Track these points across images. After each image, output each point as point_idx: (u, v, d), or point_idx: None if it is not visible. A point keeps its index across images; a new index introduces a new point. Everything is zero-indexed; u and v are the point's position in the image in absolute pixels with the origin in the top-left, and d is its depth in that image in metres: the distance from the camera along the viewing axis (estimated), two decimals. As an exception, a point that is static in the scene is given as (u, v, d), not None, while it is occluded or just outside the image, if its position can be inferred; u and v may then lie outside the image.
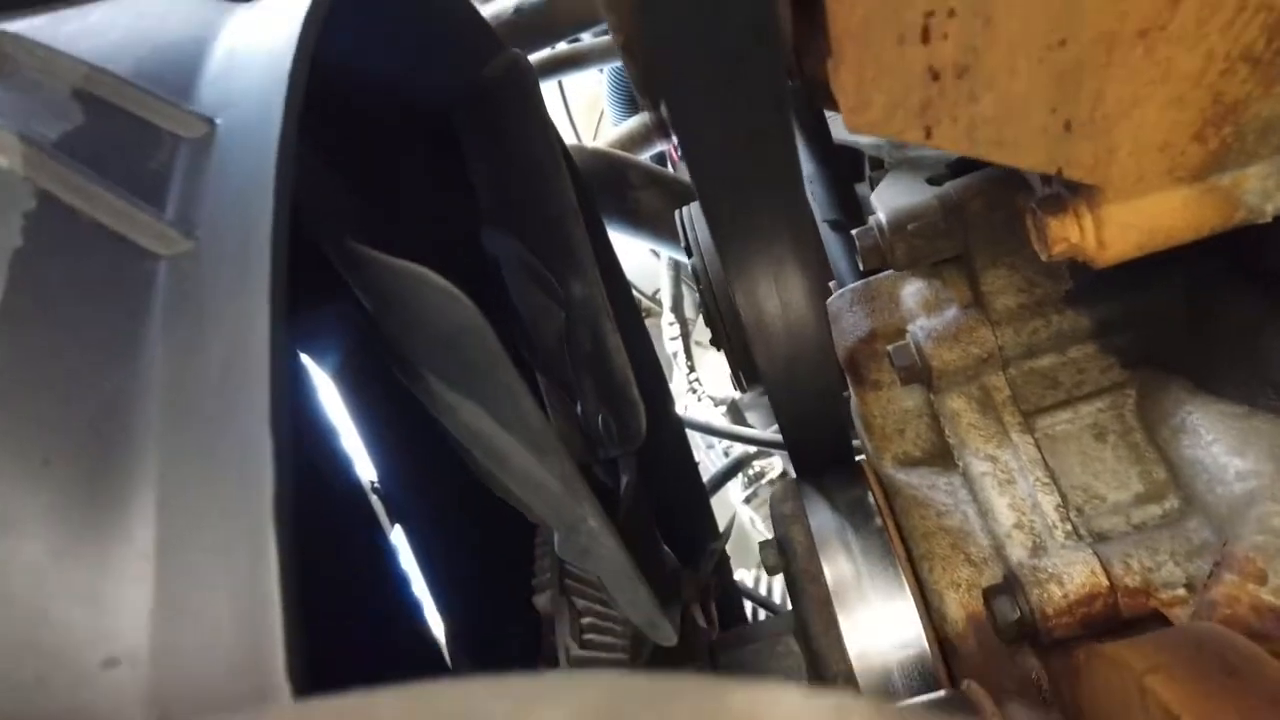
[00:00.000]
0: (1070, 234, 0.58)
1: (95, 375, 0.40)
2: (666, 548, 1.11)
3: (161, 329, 0.42)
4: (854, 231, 0.84)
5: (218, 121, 0.49)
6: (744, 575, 2.04)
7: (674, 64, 0.48)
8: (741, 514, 2.10)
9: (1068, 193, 0.58)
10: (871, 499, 0.90)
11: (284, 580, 0.36)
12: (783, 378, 0.83)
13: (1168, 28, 0.45)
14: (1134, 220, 0.56)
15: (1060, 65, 0.46)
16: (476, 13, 0.99)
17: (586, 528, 0.65)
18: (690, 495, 1.65)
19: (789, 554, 0.89)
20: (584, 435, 1.01)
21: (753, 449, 1.84)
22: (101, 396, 0.40)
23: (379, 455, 1.36)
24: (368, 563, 1.34)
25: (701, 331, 2.26)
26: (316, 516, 1.22)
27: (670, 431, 1.60)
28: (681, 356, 2.11)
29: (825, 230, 1.00)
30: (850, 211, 1.09)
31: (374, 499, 1.42)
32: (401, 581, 1.37)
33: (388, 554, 1.38)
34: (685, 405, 2.09)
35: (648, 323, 2.35)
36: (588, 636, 0.86)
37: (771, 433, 1.78)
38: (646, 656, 0.86)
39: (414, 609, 1.39)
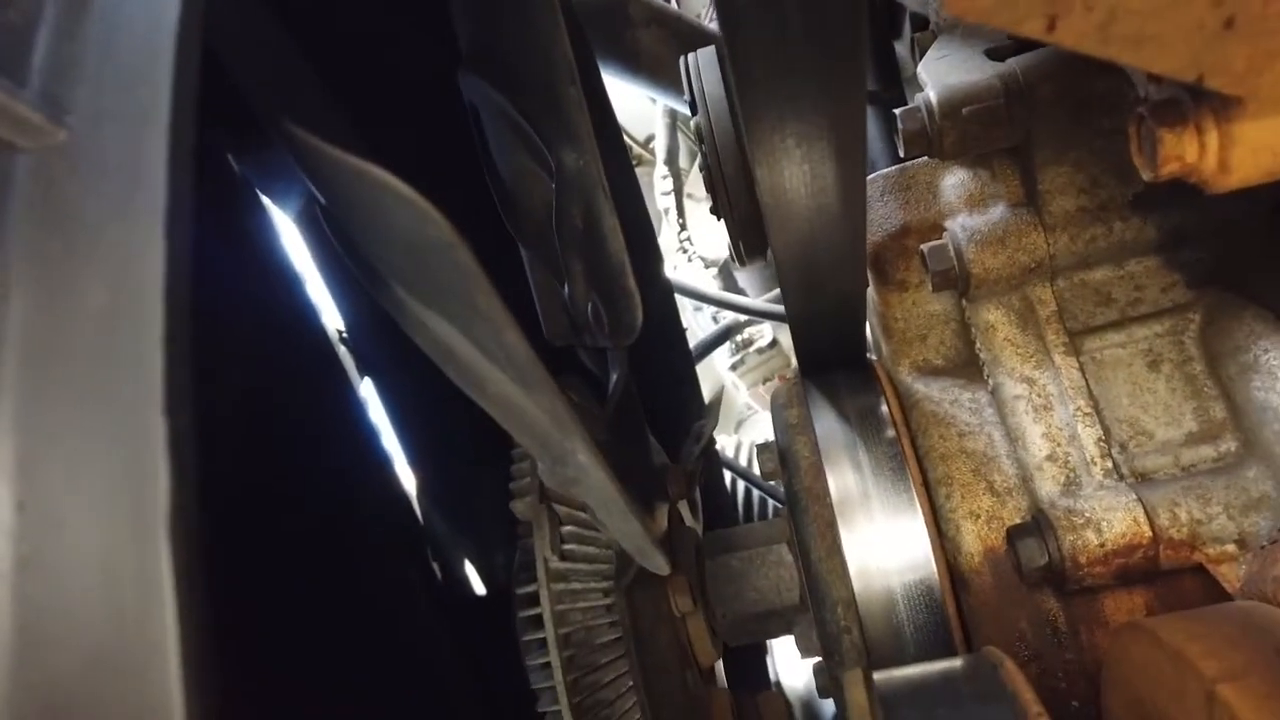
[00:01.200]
0: (1187, 151, 0.47)
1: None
2: (653, 440, 1.03)
3: (17, 259, 0.31)
4: (897, 112, 0.72)
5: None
6: (725, 441, 2.00)
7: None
8: (726, 379, 2.03)
9: (1190, 101, 0.46)
10: (884, 409, 0.82)
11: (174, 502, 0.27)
12: (799, 266, 0.73)
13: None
14: (1269, 141, 0.45)
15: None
16: None
17: (575, 461, 0.56)
18: (677, 363, 1.58)
19: (791, 468, 0.82)
20: (570, 318, 0.91)
21: (743, 316, 1.75)
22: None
23: (346, 303, 1.27)
24: (336, 415, 1.27)
25: (695, 184, 2.12)
26: (281, 367, 1.14)
27: (658, 294, 1.50)
28: (673, 213, 1.98)
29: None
30: (887, 78, 0.96)
31: (342, 350, 1.34)
32: (371, 434, 1.31)
33: (356, 406, 1.31)
34: (675, 265, 1.98)
35: (638, 171, 2.20)
36: (568, 547, 0.80)
37: (764, 301, 1.68)
38: (631, 573, 0.80)
39: (384, 462, 1.33)
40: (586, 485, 0.60)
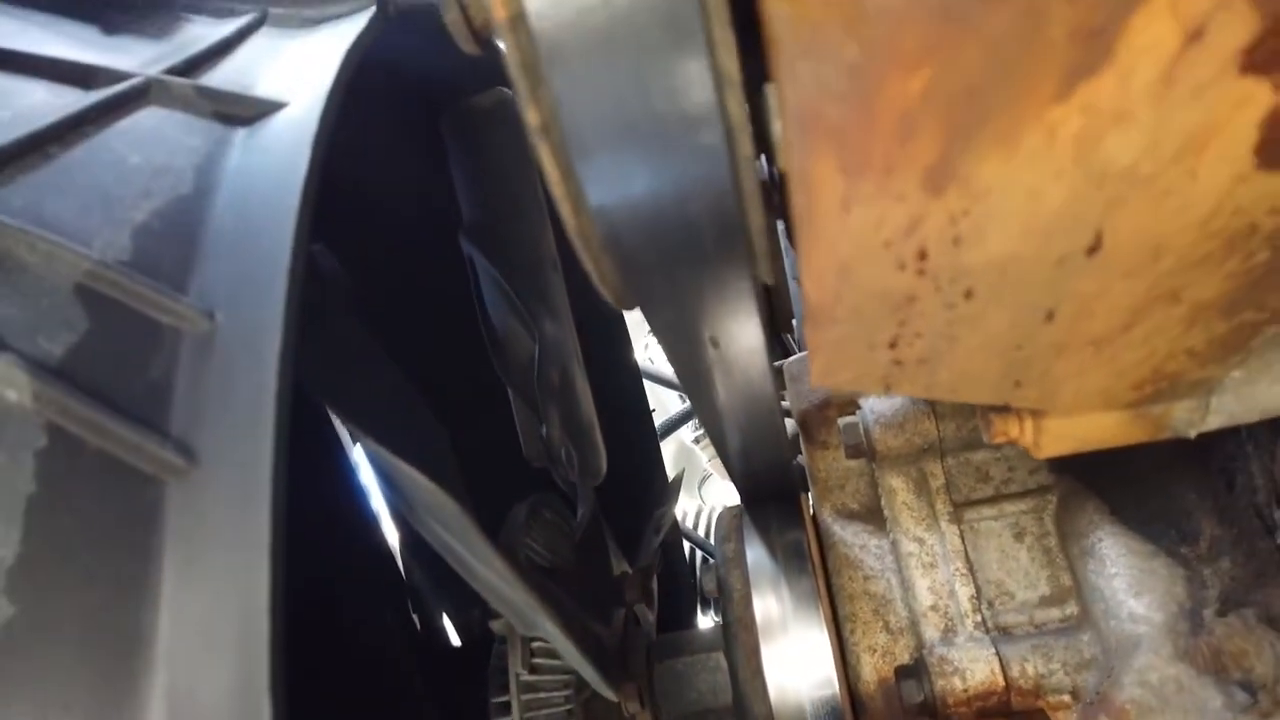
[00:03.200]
0: (1011, 431, 0.63)
1: (107, 619, 0.44)
2: (614, 547, 1.18)
3: (167, 563, 0.46)
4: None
5: (218, 318, 0.51)
6: (687, 503, 2.15)
7: (651, 305, 0.51)
8: (691, 448, 2.19)
9: (1013, 396, 0.62)
10: (806, 545, 0.98)
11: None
12: (732, 433, 0.88)
13: (1116, 341, 0.49)
14: (1069, 431, 0.61)
15: (1014, 358, 0.50)
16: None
17: (543, 627, 0.71)
18: (644, 444, 1.72)
19: (726, 597, 0.97)
20: (546, 449, 1.06)
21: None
22: (114, 638, 0.44)
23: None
24: (328, 476, 1.41)
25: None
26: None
27: (628, 379, 1.65)
28: (645, 295, 2.13)
29: (795, 288, 1.03)
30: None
31: (335, 418, 1.47)
32: (360, 494, 1.45)
33: (348, 469, 1.44)
34: (646, 345, 2.14)
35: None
36: (536, 661, 0.94)
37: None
38: (590, 688, 0.95)
39: (371, 520, 1.47)
40: (550, 640, 0.75)
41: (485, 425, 1.16)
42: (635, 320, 2.26)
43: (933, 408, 0.89)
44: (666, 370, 1.77)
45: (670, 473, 1.69)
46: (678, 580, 1.76)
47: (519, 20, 0.36)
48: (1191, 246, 0.40)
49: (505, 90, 0.93)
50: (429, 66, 0.99)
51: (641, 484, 1.66)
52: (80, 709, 0.43)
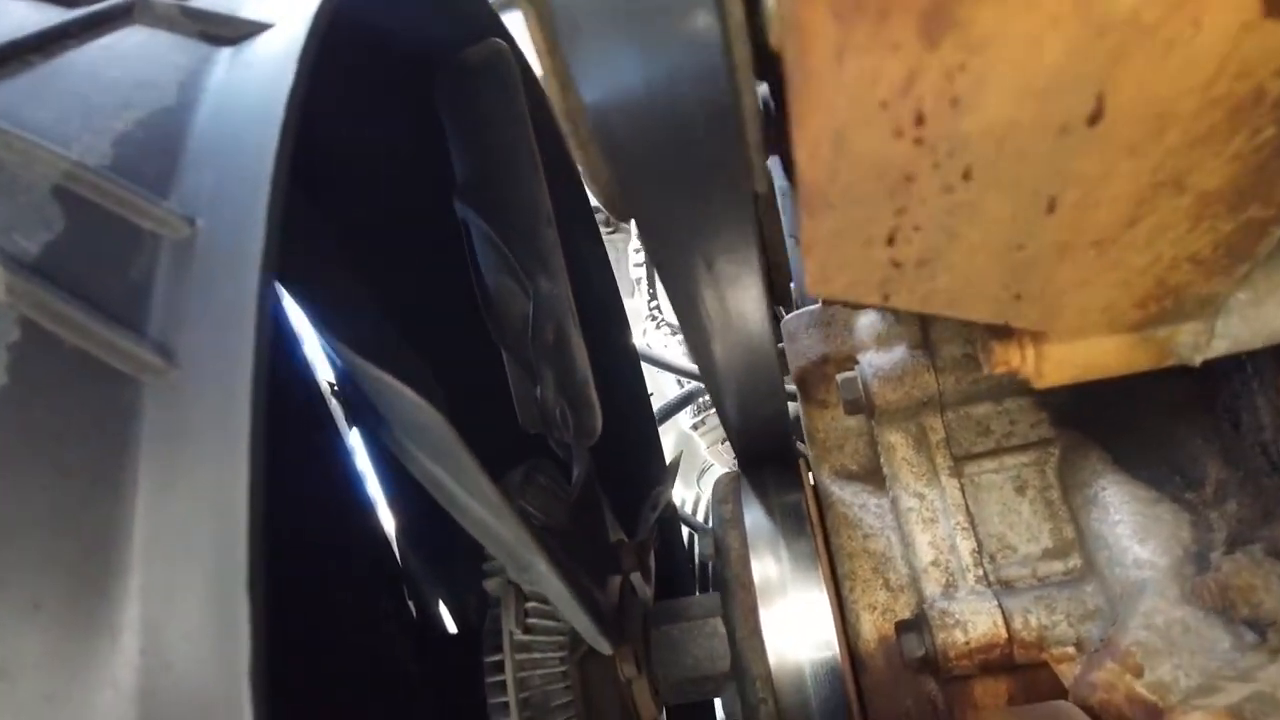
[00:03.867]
0: (1012, 359, 0.62)
1: (81, 513, 0.43)
2: (610, 516, 1.16)
3: (143, 461, 0.44)
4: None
5: (199, 223, 0.50)
6: (687, 492, 2.14)
7: (648, 217, 0.50)
8: (689, 435, 2.17)
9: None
10: (804, 507, 0.96)
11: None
12: (731, 388, 0.87)
13: (1120, 239, 0.47)
14: (1071, 358, 0.60)
15: (1016, 261, 0.49)
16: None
17: (536, 570, 0.70)
18: (641, 428, 1.71)
19: (723, 557, 0.96)
20: (541, 413, 1.05)
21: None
22: (88, 534, 0.43)
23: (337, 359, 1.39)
24: (324, 463, 1.39)
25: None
26: (274, 420, 1.26)
27: (625, 362, 1.64)
28: (644, 282, 2.13)
29: (792, 245, 1.02)
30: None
31: (332, 401, 1.46)
32: (356, 481, 1.43)
33: (344, 454, 1.43)
34: (644, 330, 2.13)
35: (616, 238, 2.35)
36: (531, 621, 0.93)
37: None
38: (585, 645, 0.93)
39: (367, 507, 1.46)
40: (545, 587, 0.73)
41: (478, 394, 1.14)
42: (633, 307, 2.25)
43: (932, 360, 0.87)
44: (664, 354, 1.76)
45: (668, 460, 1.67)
46: (675, 563, 1.75)
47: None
48: (1196, 116, 0.39)
49: (498, 42, 0.92)
50: (418, 28, 0.98)
51: (639, 465, 1.65)
52: (51, 605, 0.42)
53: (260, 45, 0.60)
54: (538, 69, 0.44)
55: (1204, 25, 0.34)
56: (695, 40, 0.40)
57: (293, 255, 0.79)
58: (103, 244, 0.49)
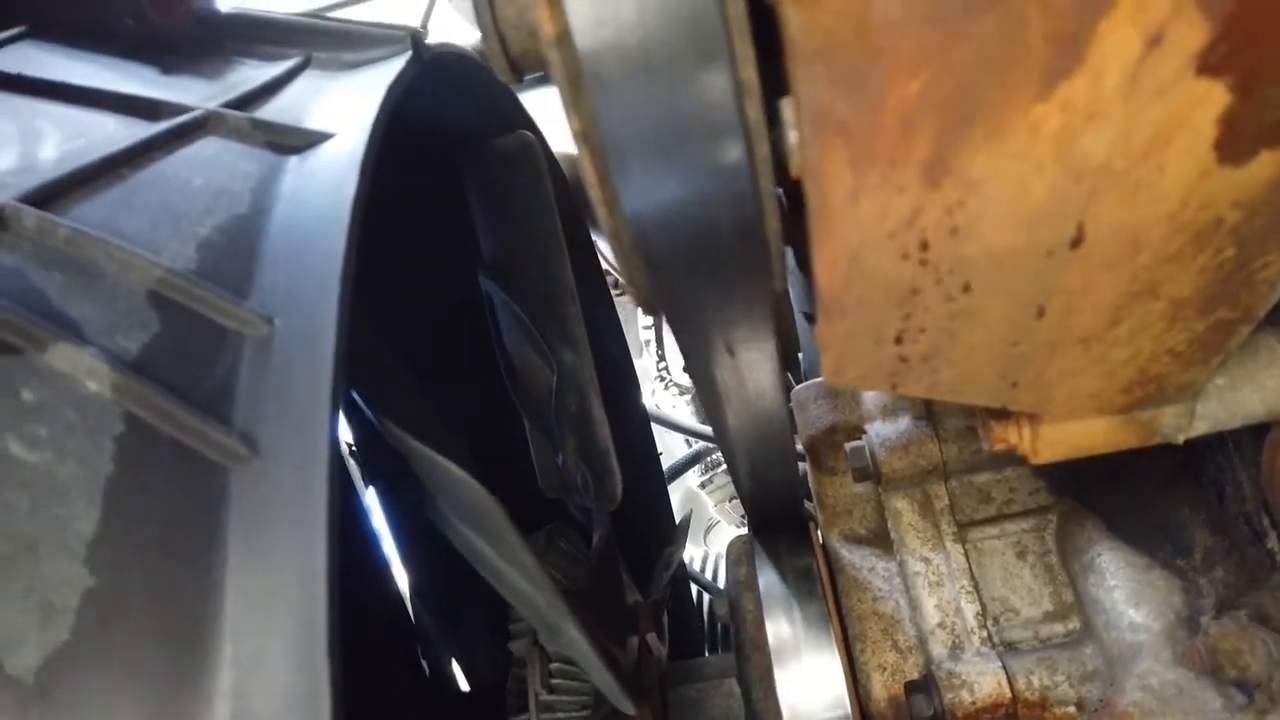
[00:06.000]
0: (1010, 437, 0.67)
1: (179, 588, 0.48)
2: (627, 579, 1.21)
3: (232, 541, 0.49)
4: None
5: (276, 322, 0.56)
6: (693, 550, 2.17)
7: (676, 312, 0.55)
8: (697, 494, 2.21)
9: (1011, 404, 0.66)
10: (816, 570, 1.01)
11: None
12: (743, 457, 0.92)
13: (1104, 337, 0.53)
14: (1064, 437, 0.65)
15: (1011, 355, 0.54)
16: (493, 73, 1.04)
17: (567, 635, 0.74)
18: (651, 487, 1.75)
19: (738, 620, 1.00)
20: (561, 479, 1.10)
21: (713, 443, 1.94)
22: (185, 608, 0.48)
23: (354, 419, 1.44)
24: (341, 522, 1.42)
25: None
26: None
27: (635, 422, 1.69)
28: (654, 344, 2.19)
29: (802, 321, 1.08)
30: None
31: (349, 460, 1.50)
32: (371, 540, 1.47)
33: (360, 514, 1.47)
34: (652, 390, 2.18)
35: (624, 300, 2.41)
36: (555, 682, 0.97)
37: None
38: (607, 706, 0.97)
39: (382, 566, 1.49)
40: (574, 650, 0.78)
41: (496, 458, 1.19)
42: (643, 367, 2.31)
43: (935, 431, 0.92)
44: (672, 415, 1.81)
45: (677, 518, 1.71)
46: (686, 622, 1.78)
47: (564, 37, 0.42)
48: (1165, 240, 0.44)
49: (527, 134, 0.99)
50: (455, 118, 1.05)
51: (650, 523, 1.69)
52: (150, 675, 0.46)
53: (324, 154, 0.67)
54: (568, 171, 0.50)
55: (1167, 171, 0.40)
56: (725, 170, 0.46)
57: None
58: (192, 343, 0.54)
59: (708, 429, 1.86)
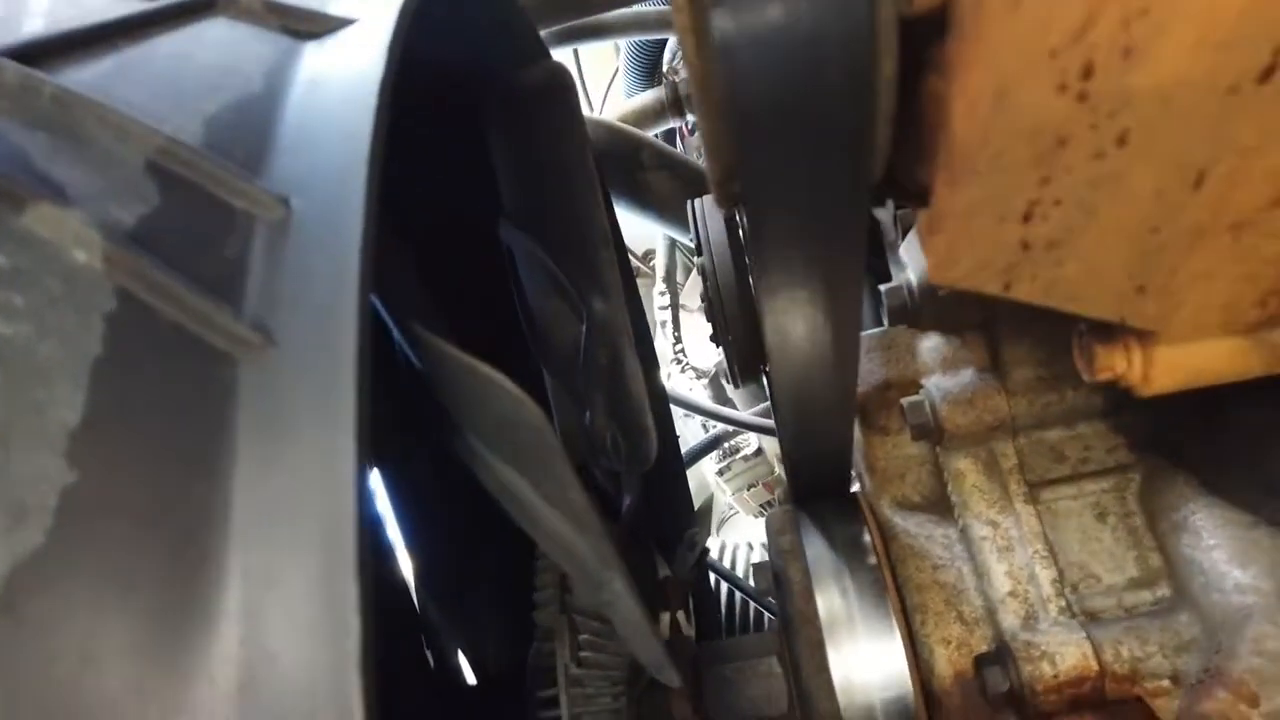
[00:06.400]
0: (1117, 364, 0.59)
1: (176, 494, 0.40)
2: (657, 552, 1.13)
3: (241, 441, 0.42)
4: (883, 289, 0.85)
5: (293, 204, 0.48)
6: (708, 542, 2.09)
7: (763, 207, 0.48)
8: (712, 483, 2.13)
9: (1120, 325, 0.58)
10: (868, 539, 0.93)
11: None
12: (795, 409, 0.84)
13: (1259, 224, 0.45)
14: (1182, 362, 0.58)
15: (1148, 245, 0.47)
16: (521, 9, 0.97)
17: (611, 588, 0.66)
18: (671, 466, 1.68)
19: (785, 591, 0.92)
20: (588, 442, 1.02)
21: (731, 426, 1.86)
22: (184, 516, 0.40)
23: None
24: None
25: (689, 295, 2.26)
26: None
27: (655, 402, 1.61)
28: (669, 326, 2.11)
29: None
30: (874, 247, 1.09)
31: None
32: (375, 524, 1.39)
33: (364, 495, 1.38)
34: (668, 374, 2.11)
35: (640, 282, 2.34)
36: (584, 654, 0.89)
37: (751, 414, 1.80)
38: (643, 682, 0.89)
39: (386, 551, 1.41)
40: (617, 607, 0.70)
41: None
42: (661, 348, 2.23)
43: (1003, 383, 0.85)
44: (689, 397, 1.74)
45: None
46: (703, 612, 1.70)
47: None
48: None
49: (557, 63, 0.91)
50: (478, 48, 0.97)
51: (667, 506, 1.61)
52: (145, 589, 0.38)
53: (346, 38, 0.59)
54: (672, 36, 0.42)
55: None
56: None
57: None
58: (197, 220, 0.47)
59: (727, 411, 1.78)
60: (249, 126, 0.52)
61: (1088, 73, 0.36)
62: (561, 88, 0.92)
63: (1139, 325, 0.55)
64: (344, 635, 0.38)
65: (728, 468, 2.06)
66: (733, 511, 2.21)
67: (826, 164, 0.46)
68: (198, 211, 0.47)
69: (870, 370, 0.94)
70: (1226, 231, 0.46)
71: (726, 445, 2.04)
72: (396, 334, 0.59)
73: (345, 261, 0.45)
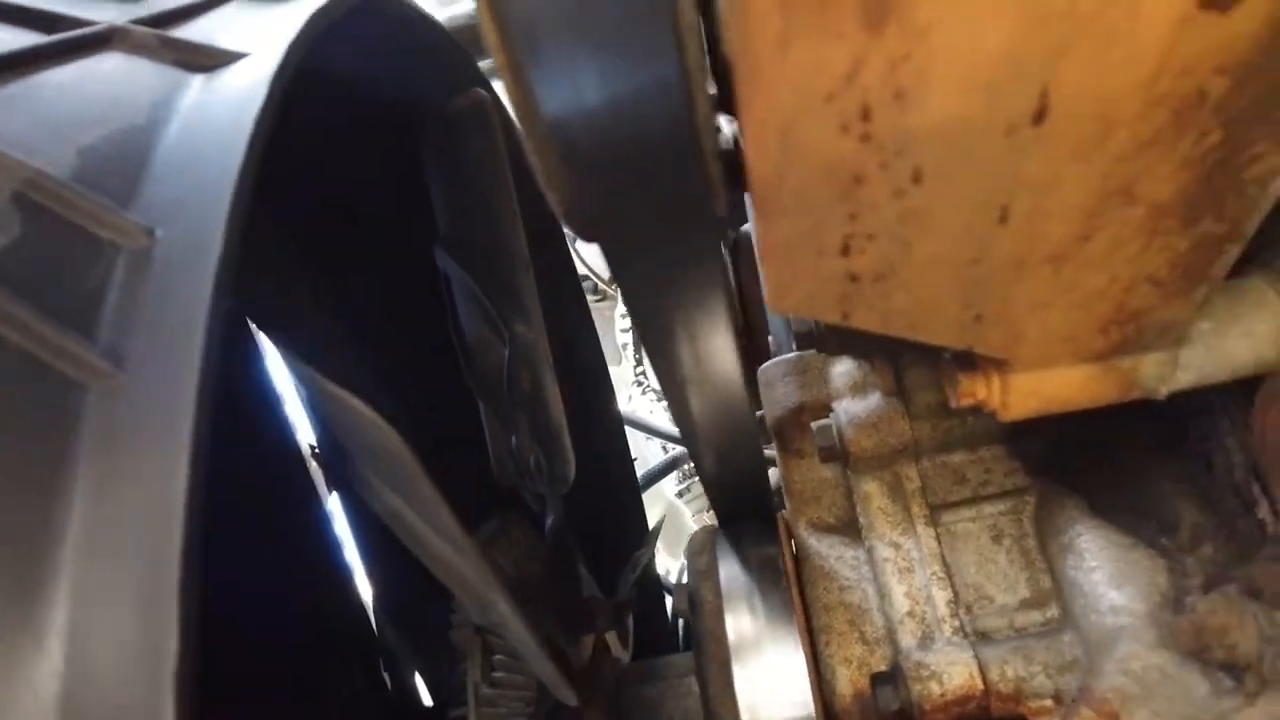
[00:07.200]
0: (978, 391, 0.61)
1: (15, 515, 0.42)
2: (585, 573, 1.14)
3: (82, 464, 0.43)
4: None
5: (158, 233, 0.50)
6: (669, 563, 2.10)
7: (611, 237, 0.50)
8: (673, 504, 2.15)
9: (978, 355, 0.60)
10: (780, 559, 0.94)
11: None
12: (699, 435, 0.86)
13: (1075, 256, 0.48)
14: (1037, 389, 0.60)
15: (972, 276, 0.49)
16: (450, 37, 1.00)
17: (496, 610, 0.68)
18: (624, 494, 1.69)
19: (697, 610, 0.93)
20: (515, 462, 1.04)
21: (688, 448, 1.88)
22: (19, 534, 0.42)
23: (319, 419, 1.38)
24: (302, 528, 1.36)
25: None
26: (253, 483, 1.24)
27: (609, 427, 1.63)
28: (630, 348, 2.13)
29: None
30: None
31: (313, 465, 1.43)
32: (334, 548, 1.40)
33: (322, 520, 1.40)
34: (629, 396, 2.12)
35: (602, 306, 2.37)
36: (497, 675, 0.90)
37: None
38: (551, 700, 0.90)
39: (344, 575, 1.42)
40: (507, 630, 0.71)
41: (454, 447, 1.13)
42: (619, 374, 2.25)
43: (907, 407, 0.87)
44: (649, 420, 1.75)
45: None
46: (658, 632, 1.71)
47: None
48: (1140, 117, 0.39)
49: (480, 91, 0.94)
50: (402, 78, 1.00)
51: (621, 531, 1.63)
52: (-25, 605, 0.40)
53: (234, 72, 0.61)
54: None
55: (1141, 17, 0.35)
56: (649, 47, 0.40)
57: (272, 298, 0.79)
58: (58, 251, 0.48)
59: (683, 434, 1.80)
60: (125, 158, 0.53)
61: (866, 115, 0.38)
62: (483, 116, 0.94)
63: (987, 353, 0.57)
64: (162, 658, 0.39)
65: (688, 489, 2.07)
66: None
67: (665, 205, 0.48)
68: (61, 242, 0.49)
69: (785, 394, 0.96)
70: (1045, 264, 0.48)
71: (686, 467, 2.05)
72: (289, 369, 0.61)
73: (199, 288, 0.47)
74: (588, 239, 0.54)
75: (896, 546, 0.86)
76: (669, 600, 1.88)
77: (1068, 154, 0.41)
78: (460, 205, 1.00)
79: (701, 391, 0.75)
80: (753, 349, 1.27)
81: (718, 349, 0.67)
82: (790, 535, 0.98)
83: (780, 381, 0.96)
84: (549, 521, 0.99)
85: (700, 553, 0.99)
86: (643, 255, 0.55)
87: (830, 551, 0.92)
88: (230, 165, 0.52)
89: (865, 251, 0.46)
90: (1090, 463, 0.80)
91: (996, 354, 0.57)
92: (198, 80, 0.61)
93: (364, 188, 1.15)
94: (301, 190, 0.98)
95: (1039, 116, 0.38)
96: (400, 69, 1.00)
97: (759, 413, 1.00)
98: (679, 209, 0.50)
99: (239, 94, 0.58)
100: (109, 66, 0.60)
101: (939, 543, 0.85)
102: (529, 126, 0.45)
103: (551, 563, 0.98)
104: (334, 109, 0.93)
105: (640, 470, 1.87)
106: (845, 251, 0.45)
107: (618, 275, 0.58)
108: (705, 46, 0.40)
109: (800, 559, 0.94)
